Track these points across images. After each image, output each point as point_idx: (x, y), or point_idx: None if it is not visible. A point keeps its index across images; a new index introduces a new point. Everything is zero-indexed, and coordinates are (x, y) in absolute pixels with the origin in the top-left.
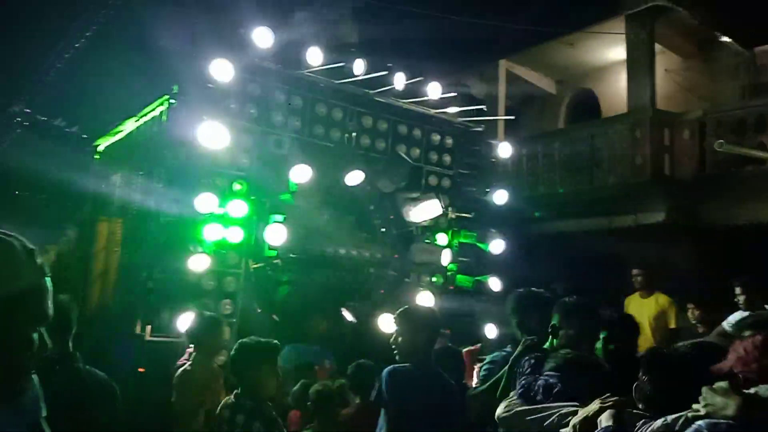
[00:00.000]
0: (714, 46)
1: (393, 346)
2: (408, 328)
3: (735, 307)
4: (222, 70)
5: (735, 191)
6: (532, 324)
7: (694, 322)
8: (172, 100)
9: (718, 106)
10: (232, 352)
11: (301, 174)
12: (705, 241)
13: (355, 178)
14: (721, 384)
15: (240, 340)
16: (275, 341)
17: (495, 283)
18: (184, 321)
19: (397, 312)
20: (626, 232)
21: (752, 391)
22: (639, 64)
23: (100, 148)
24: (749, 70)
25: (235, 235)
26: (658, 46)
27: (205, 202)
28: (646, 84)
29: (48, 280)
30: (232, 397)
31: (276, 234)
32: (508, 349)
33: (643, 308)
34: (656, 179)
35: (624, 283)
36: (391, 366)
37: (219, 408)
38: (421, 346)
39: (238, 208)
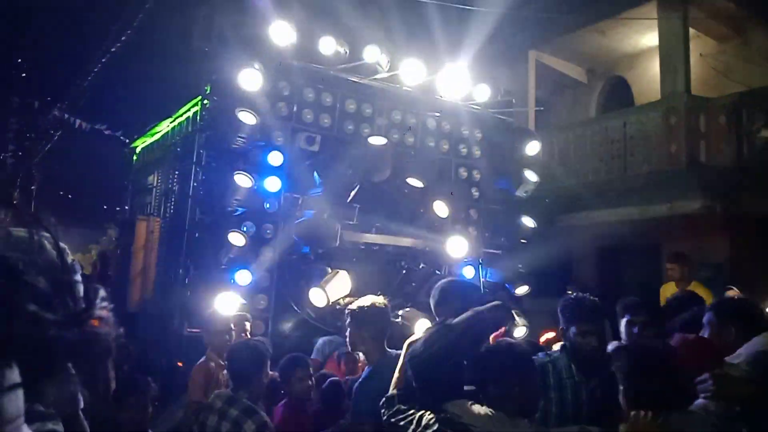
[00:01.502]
0: (750, 29)
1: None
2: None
3: None
4: (251, 78)
5: None
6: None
7: None
8: (205, 101)
9: (754, 90)
10: (231, 352)
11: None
12: (742, 229)
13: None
14: None
15: (241, 341)
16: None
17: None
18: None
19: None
20: (661, 221)
21: None
22: (672, 50)
23: (138, 150)
24: None
25: (268, 231)
26: (691, 31)
27: (240, 195)
28: (680, 69)
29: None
30: (229, 390)
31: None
32: None
33: None
34: (692, 167)
35: (659, 271)
36: (356, 383)
37: (212, 397)
38: (381, 346)
39: (271, 204)
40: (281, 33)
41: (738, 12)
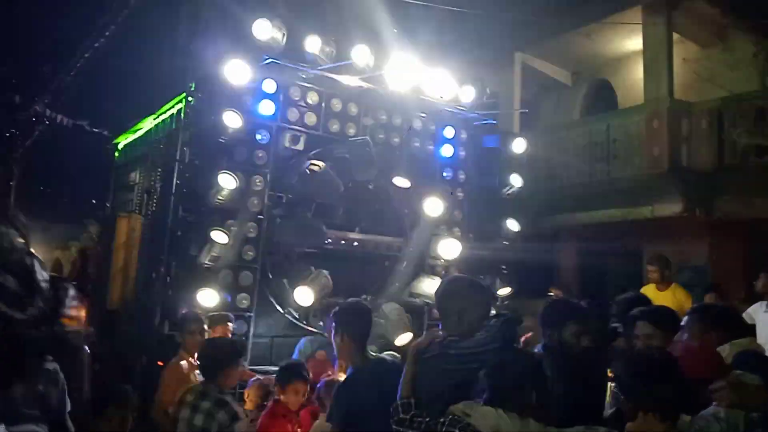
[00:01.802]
0: (732, 35)
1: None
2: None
3: (755, 298)
4: (237, 71)
5: (754, 182)
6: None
7: None
8: (189, 98)
9: (736, 96)
10: (202, 348)
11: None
12: (722, 233)
13: (370, 172)
14: None
15: (210, 339)
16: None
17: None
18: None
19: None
20: (643, 223)
21: None
22: (656, 54)
23: (120, 146)
24: None
25: (251, 229)
26: (675, 36)
27: (223, 193)
28: (664, 74)
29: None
30: (200, 384)
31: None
32: None
33: (658, 300)
34: (673, 170)
35: (640, 273)
36: (337, 384)
37: (183, 392)
38: (360, 348)
39: (255, 203)
40: (267, 31)
41: (721, 18)
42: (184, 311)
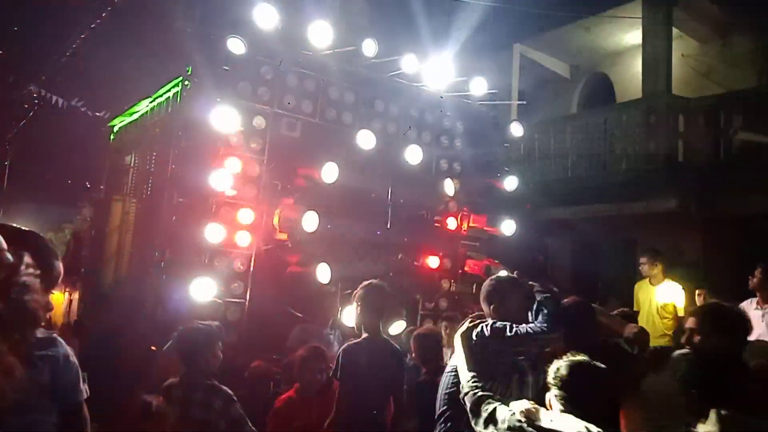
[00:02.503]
0: (731, 31)
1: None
2: (364, 306)
3: (747, 295)
4: (235, 46)
5: (749, 179)
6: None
7: None
8: (185, 82)
9: (734, 93)
10: (181, 335)
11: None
12: (717, 229)
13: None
14: None
15: (185, 327)
16: (217, 324)
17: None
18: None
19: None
20: (638, 218)
21: None
22: (655, 49)
23: (116, 128)
24: (767, 56)
25: (247, 217)
26: (675, 31)
27: (219, 179)
28: (662, 69)
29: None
30: (178, 378)
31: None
32: None
33: (651, 295)
34: (669, 166)
35: (634, 268)
36: (345, 344)
37: (166, 387)
38: (373, 320)
39: (251, 190)
40: (265, 16)
41: (721, 15)
42: (183, 297)
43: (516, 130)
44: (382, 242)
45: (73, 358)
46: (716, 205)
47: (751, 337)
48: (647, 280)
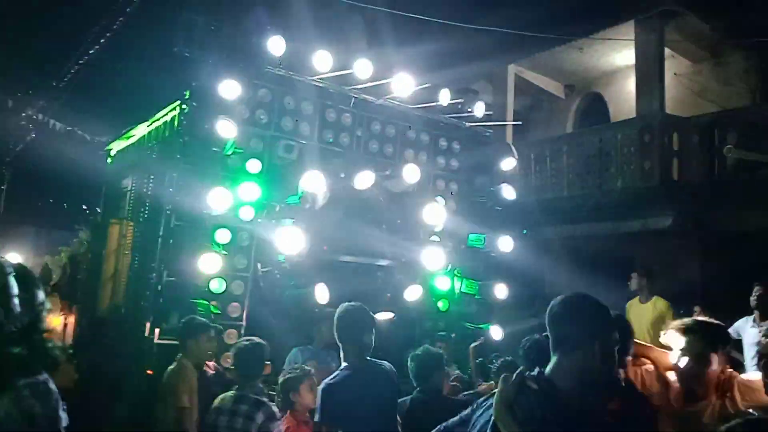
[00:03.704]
0: (724, 51)
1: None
2: (339, 334)
3: (743, 313)
4: (229, 88)
5: (743, 197)
6: None
7: None
8: (183, 106)
9: (727, 111)
10: (240, 352)
11: (310, 179)
12: (712, 246)
13: (364, 180)
14: None
15: (247, 341)
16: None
17: (501, 290)
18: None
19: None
20: (634, 236)
21: None
22: (648, 69)
23: (113, 152)
24: (760, 75)
25: (245, 239)
26: (667, 51)
27: (219, 197)
28: (655, 88)
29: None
30: (231, 392)
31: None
32: None
33: (641, 313)
34: (664, 184)
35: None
36: (324, 382)
37: (218, 400)
38: (353, 347)
39: (248, 212)
40: (263, 40)
41: (713, 35)
42: (188, 318)
43: (507, 164)
44: (379, 263)
45: (52, 385)
46: (711, 222)
47: (747, 355)
48: (638, 298)
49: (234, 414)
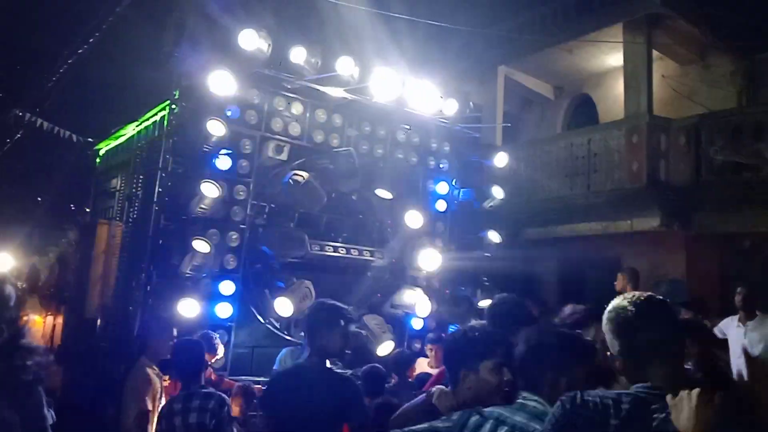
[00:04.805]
0: (711, 53)
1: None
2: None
3: (729, 312)
4: (222, 81)
5: (730, 198)
6: None
7: None
8: (173, 106)
9: (714, 113)
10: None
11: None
12: (699, 246)
13: (353, 183)
14: None
15: (183, 340)
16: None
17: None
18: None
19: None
20: (622, 237)
21: None
22: (636, 71)
23: (102, 152)
24: (746, 78)
25: (234, 240)
26: (655, 53)
27: (206, 202)
28: (643, 90)
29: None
30: (181, 393)
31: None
32: None
33: None
34: (652, 185)
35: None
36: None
37: (167, 404)
38: (313, 343)
39: (238, 212)
40: (253, 41)
41: (700, 37)
42: (158, 317)
43: (500, 160)
44: (370, 263)
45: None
46: (698, 222)
47: (733, 354)
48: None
49: (187, 411)
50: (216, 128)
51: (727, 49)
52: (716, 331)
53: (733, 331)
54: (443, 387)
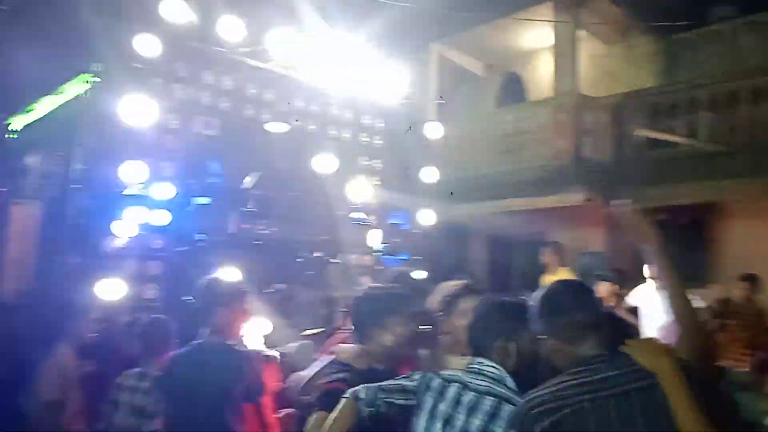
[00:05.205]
0: (633, 34)
1: None
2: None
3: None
4: (148, 45)
5: (647, 174)
6: None
7: (603, 296)
8: (94, 78)
9: (635, 92)
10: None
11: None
12: (619, 221)
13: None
14: None
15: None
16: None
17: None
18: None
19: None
20: (548, 212)
21: None
22: (564, 50)
23: (15, 128)
24: (664, 58)
25: (161, 218)
26: (583, 33)
27: (132, 173)
28: (570, 69)
29: None
30: (136, 369)
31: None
32: None
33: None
34: (577, 162)
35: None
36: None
37: (122, 376)
38: (203, 320)
39: (165, 190)
40: (178, 10)
41: (623, 18)
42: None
43: (433, 131)
44: (300, 241)
45: None
46: (618, 198)
47: (652, 318)
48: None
49: (135, 391)
50: (138, 102)
51: (647, 30)
52: (631, 299)
53: (650, 298)
54: (350, 345)
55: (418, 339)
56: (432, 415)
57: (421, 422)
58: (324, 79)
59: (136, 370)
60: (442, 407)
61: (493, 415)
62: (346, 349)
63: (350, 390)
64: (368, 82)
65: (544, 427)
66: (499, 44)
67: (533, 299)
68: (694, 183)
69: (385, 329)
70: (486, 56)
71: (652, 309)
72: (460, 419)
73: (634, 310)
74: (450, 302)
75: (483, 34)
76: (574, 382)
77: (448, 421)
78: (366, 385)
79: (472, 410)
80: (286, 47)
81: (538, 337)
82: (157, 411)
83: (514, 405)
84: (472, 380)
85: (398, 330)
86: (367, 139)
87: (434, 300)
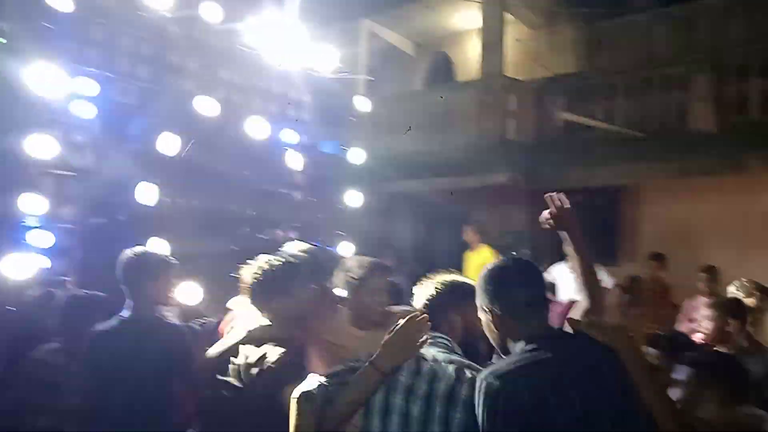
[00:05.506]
0: (558, 20)
1: None
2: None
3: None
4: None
5: (568, 156)
6: None
7: None
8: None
9: (558, 76)
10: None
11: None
12: (541, 201)
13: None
14: None
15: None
16: None
17: (346, 248)
18: None
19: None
20: (472, 191)
21: None
22: (491, 32)
23: None
24: (585, 45)
25: (74, 188)
26: (509, 16)
27: (39, 147)
28: (497, 52)
29: None
30: (54, 344)
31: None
32: None
33: (470, 262)
34: (501, 143)
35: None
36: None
37: (35, 351)
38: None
39: (78, 159)
40: None
41: (547, 3)
42: None
43: (362, 104)
44: (225, 216)
45: None
46: (539, 179)
47: (567, 295)
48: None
49: (47, 366)
50: (48, 70)
51: (570, 16)
52: (546, 276)
53: (562, 276)
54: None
55: (321, 310)
56: (391, 388)
57: (379, 395)
58: (251, 49)
59: (52, 344)
60: (402, 378)
61: (457, 379)
62: (256, 326)
63: (298, 390)
64: (297, 54)
65: (508, 396)
66: (429, 23)
67: (481, 275)
68: (609, 166)
69: (290, 296)
70: (416, 35)
71: (566, 286)
72: (422, 387)
73: (551, 287)
74: (360, 280)
75: (413, 13)
76: (532, 358)
77: (410, 390)
78: (309, 378)
79: (434, 377)
80: (213, 16)
81: (485, 310)
82: (73, 387)
83: (475, 371)
84: (427, 350)
85: (302, 296)
86: (294, 114)
87: (339, 276)
